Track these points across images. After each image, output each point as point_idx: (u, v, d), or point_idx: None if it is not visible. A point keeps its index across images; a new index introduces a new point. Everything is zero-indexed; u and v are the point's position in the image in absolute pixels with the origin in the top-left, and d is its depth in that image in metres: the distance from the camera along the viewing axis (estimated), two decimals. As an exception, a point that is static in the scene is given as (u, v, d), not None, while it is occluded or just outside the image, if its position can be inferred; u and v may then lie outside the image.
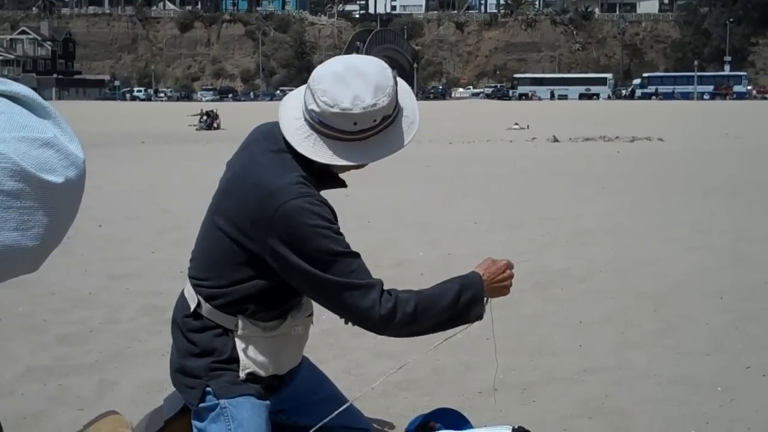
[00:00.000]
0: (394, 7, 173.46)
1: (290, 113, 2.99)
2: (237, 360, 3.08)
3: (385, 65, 2.97)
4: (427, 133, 36.31)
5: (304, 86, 2.98)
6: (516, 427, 3.35)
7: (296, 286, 2.98)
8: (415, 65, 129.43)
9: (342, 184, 3.15)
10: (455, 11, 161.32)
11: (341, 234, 2.92)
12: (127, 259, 9.07)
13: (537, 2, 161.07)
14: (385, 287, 2.93)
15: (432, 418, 3.57)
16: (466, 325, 3.09)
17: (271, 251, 2.89)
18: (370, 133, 2.90)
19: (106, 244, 9.88)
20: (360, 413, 3.65)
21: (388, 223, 11.49)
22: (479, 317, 3.06)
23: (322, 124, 2.88)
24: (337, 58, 3.02)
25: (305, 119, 2.93)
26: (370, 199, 13.32)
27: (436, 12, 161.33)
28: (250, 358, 3.09)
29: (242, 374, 3.09)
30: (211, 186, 3.25)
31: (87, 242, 9.95)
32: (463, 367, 5.40)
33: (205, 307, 3.09)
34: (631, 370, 5.36)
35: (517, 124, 42.16)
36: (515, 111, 64.69)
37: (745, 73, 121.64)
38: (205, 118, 43.91)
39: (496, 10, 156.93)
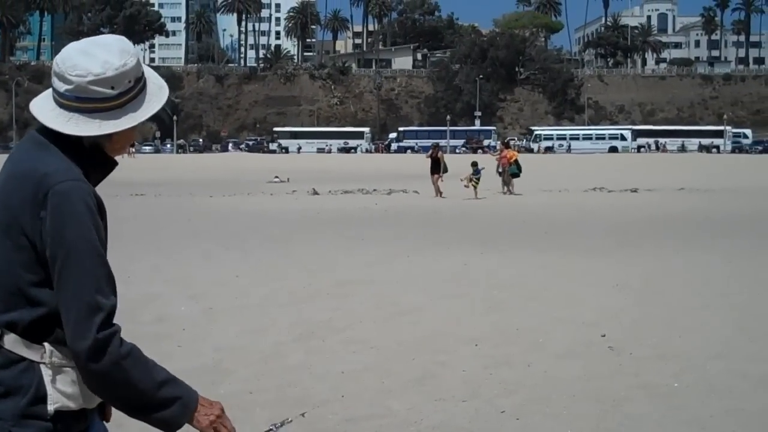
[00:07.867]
0: (153, 59, 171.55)
1: (44, 107, 3.02)
2: (45, 398, 2.95)
3: (120, 36, 3.11)
4: (187, 186, 35.95)
5: (47, 90, 3.01)
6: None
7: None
8: (175, 118, 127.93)
9: (113, 163, 3.15)
10: (215, 64, 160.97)
11: (101, 230, 2.88)
12: None
13: (295, 57, 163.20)
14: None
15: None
16: None
17: (40, 235, 2.82)
18: (128, 96, 3.00)
19: None
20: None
21: (148, 278, 11.28)
22: (170, 425, 2.91)
23: (79, 99, 2.93)
24: (72, 43, 3.10)
25: (60, 105, 2.96)
26: (129, 253, 13.04)
27: (195, 65, 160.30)
28: (59, 391, 2.96)
29: (51, 409, 2.95)
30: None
31: None
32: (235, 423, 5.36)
33: (8, 339, 2.94)
34: (392, 417, 5.47)
35: (277, 177, 42.37)
36: (276, 164, 64.95)
37: (494, 128, 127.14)
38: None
39: (255, 64, 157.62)
